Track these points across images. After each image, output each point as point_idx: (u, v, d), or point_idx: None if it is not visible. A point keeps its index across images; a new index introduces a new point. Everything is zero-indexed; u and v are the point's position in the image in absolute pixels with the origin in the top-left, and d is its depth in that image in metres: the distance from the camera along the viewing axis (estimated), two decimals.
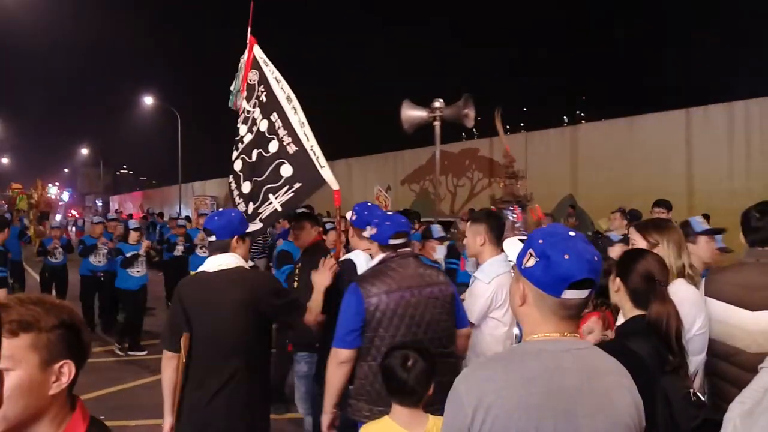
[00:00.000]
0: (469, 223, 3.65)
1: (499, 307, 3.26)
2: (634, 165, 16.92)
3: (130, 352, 8.29)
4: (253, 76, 4.42)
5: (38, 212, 24.91)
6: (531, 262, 1.47)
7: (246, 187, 4.20)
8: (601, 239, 5.71)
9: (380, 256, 3.01)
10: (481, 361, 1.52)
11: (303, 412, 4.59)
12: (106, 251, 9.58)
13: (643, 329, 2.13)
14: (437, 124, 9.38)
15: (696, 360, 2.57)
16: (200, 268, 3.08)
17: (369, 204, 3.69)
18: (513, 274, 1.61)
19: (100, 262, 9.64)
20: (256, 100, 4.34)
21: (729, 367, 2.66)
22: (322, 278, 3.24)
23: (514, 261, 1.58)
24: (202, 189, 39.85)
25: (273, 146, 4.11)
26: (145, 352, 8.27)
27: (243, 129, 4.39)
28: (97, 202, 68.85)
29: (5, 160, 67.96)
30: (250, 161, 4.24)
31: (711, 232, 3.53)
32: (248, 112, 4.37)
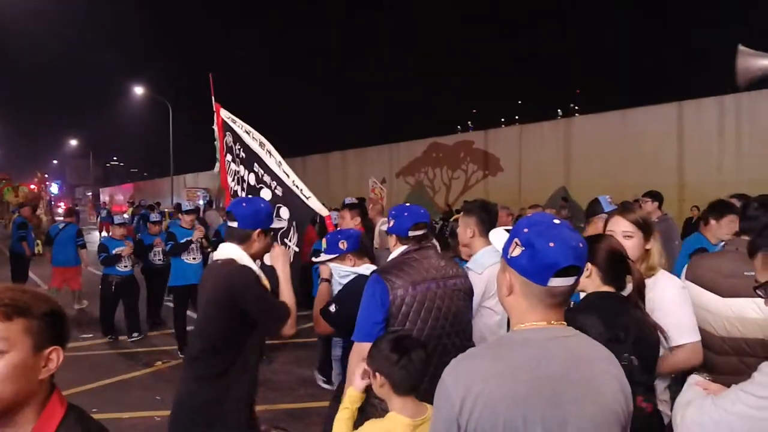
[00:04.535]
0: (461, 214, 3.65)
1: (491, 297, 3.27)
2: (627, 157, 16.99)
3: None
4: (229, 138, 4.66)
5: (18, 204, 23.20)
6: (516, 252, 1.47)
7: None
8: None
9: (400, 249, 2.87)
10: (468, 351, 1.51)
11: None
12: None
13: (590, 304, 2.26)
14: None
15: None
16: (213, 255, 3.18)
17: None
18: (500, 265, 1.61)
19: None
20: (238, 159, 4.58)
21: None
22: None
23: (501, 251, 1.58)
24: (194, 181, 39.75)
25: (266, 194, 4.29)
26: None
27: (239, 190, 4.58)
28: (87, 194, 68.51)
29: None
30: None
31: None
32: (237, 172, 4.59)
